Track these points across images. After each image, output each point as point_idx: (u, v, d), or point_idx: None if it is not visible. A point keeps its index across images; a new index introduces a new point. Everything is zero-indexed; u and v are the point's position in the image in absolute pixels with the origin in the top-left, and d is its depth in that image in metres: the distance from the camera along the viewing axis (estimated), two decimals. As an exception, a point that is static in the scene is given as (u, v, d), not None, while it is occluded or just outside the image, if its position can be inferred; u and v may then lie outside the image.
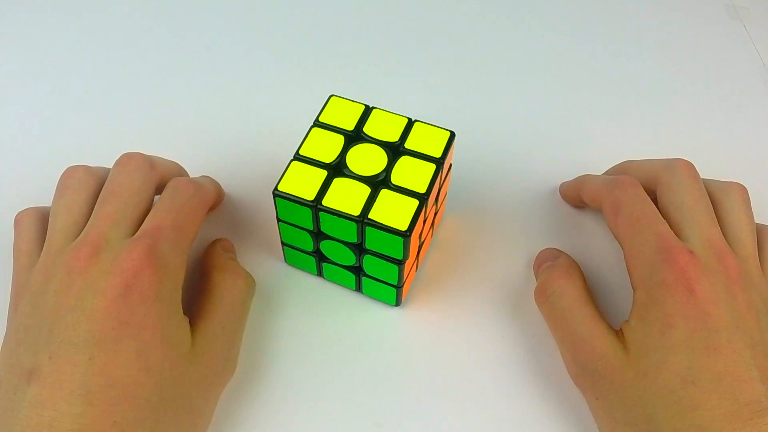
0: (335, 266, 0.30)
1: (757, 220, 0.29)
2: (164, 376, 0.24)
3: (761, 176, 0.36)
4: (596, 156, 0.35)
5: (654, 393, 0.24)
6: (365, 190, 0.26)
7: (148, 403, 0.23)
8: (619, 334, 0.27)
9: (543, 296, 0.29)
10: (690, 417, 0.23)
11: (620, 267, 0.32)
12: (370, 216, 0.26)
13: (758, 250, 0.28)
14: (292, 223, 0.28)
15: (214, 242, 0.32)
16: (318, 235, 0.28)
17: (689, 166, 0.29)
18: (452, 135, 0.28)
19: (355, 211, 0.26)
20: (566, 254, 0.32)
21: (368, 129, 0.28)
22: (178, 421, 0.24)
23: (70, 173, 0.29)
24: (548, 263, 0.31)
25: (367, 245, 0.27)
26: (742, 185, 0.29)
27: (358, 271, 0.30)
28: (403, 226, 0.26)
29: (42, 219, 0.29)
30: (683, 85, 0.41)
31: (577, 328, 0.27)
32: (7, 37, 0.42)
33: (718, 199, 0.28)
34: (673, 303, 0.25)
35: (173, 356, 0.24)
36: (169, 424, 0.24)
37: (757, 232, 0.28)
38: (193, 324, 0.26)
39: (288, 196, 0.27)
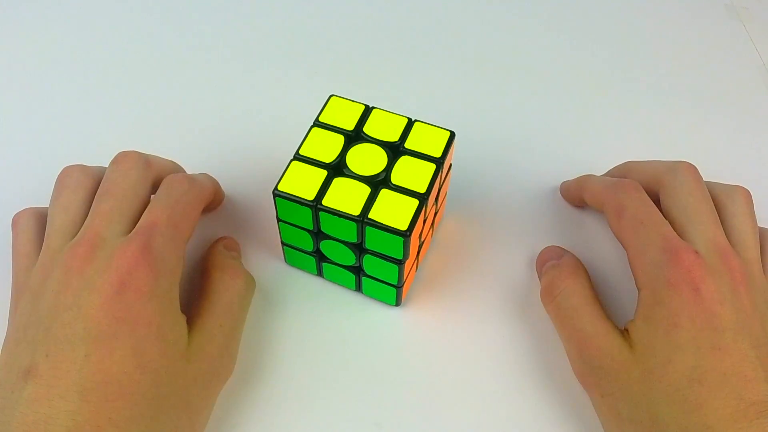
0: (335, 266, 0.30)
1: (757, 221, 0.29)
2: (160, 373, 0.24)
3: (761, 177, 0.35)
4: (596, 156, 0.35)
5: (660, 391, 0.24)
6: (365, 190, 0.26)
7: (144, 399, 0.23)
8: (624, 333, 0.27)
9: (550, 296, 0.29)
10: (696, 415, 0.23)
11: (621, 267, 0.32)
12: (370, 216, 0.26)
13: (761, 254, 0.28)
14: (292, 223, 0.28)
15: (216, 241, 0.32)
16: (318, 235, 0.28)
17: (693, 169, 0.29)
18: (452, 135, 0.28)
19: (355, 210, 0.26)
20: (571, 253, 0.32)
21: (368, 129, 0.28)
22: (174, 418, 0.24)
23: (67, 173, 0.29)
24: (552, 262, 0.31)
25: (367, 245, 0.27)
26: (745, 188, 0.29)
27: (358, 271, 0.30)
28: (403, 226, 0.25)
29: (39, 219, 0.29)
30: (683, 84, 0.41)
31: (584, 327, 0.27)
32: (4, 37, 0.42)
33: (722, 202, 0.28)
34: (678, 302, 0.25)
35: (169, 353, 0.24)
36: (165, 422, 0.24)
37: (759, 236, 0.28)
38: (191, 322, 0.26)
39: (288, 195, 0.26)
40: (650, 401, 0.24)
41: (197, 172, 0.33)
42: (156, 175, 0.29)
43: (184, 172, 0.32)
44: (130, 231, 0.26)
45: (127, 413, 0.23)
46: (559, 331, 0.29)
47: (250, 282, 0.30)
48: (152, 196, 0.29)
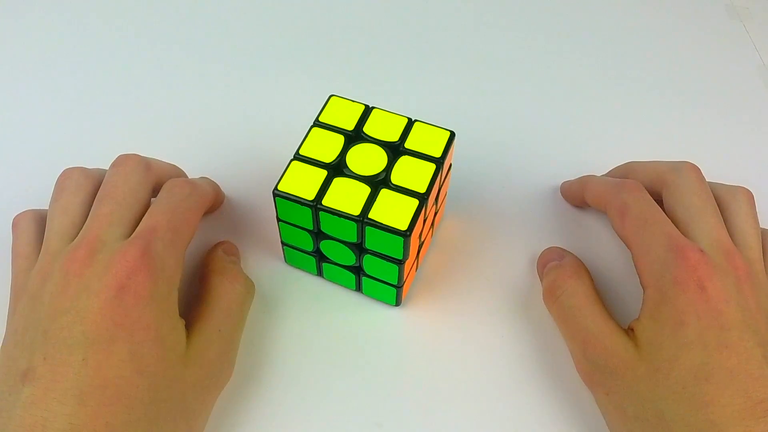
0: (335, 266, 0.30)
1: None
2: (158, 378, 0.24)
3: (760, 177, 0.35)
4: (596, 155, 0.35)
5: (666, 388, 0.24)
6: (365, 190, 0.26)
7: (142, 404, 0.23)
8: (628, 332, 0.27)
9: (552, 296, 0.29)
10: (703, 413, 0.23)
11: (622, 266, 0.32)
12: (370, 216, 0.26)
13: (763, 254, 0.28)
14: (292, 223, 0.28)
15: (216, 245, 0.31)
16: (318, 234, 0.28)
17: (695, 169, 0.29)
18: (452, 135, 0.28)
19: (355, 210, 0.26)
20: (572, 253, 0.32)
21: (368, 129, 0.28)
22: (172, 423, 0.24)
23: (67, 175, 0.29)
24: (554, 262, 0.31)
25: (367, 245, 0.27)
26: (747, 189, 0.29)
27: (358, 271, 0.30)
28: (403, 226, 0.25)
29: (39, 221, 0.29)
30: (683, 85, 0.41)
31: (588, 326, 0.27)
32: (4, 38, 0.42)
33: (725, 202, 0.29)
34: (685, 300, 0.25)
35: (167, 358, 0.24)
36: (163, 426, 0.24)
37: (761, 236, 0.28)
38: (189, 327, 0.26)
39: (288, 195, 0.26)
40: (656, 399, 0.24)
41: (198, 176, 0.33)
42: (156, 179, 0.29)
43: (185, 176, 0.32)
44: (130, 234, 0.26)
45: (125, 417, 0.23)
46: (563, 330, 0.29)
47: (249, 287, 0.30)
48: (152, 200, 0.29)
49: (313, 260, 0.30)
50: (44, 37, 0.42)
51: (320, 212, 0.26)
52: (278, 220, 0.29)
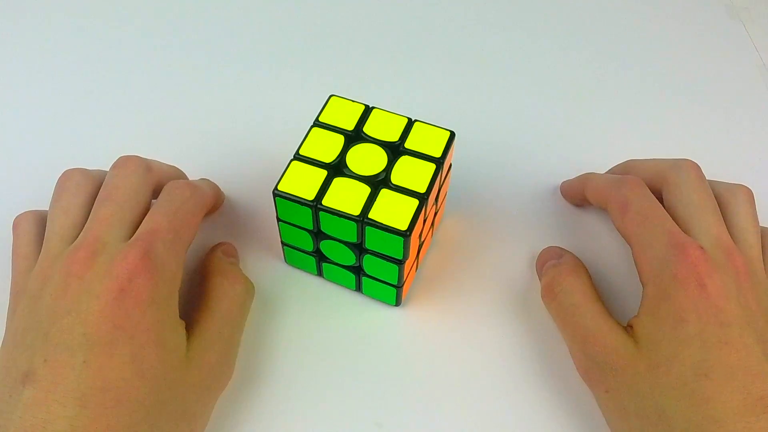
0: (335, 266, 0.30)
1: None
2: (159, 380, 0.24)
3: (760, 176, 0.35)
4: (596, 155, 0.35)
5: (666, 385, 0.24)
6: (365, 190, 0.26)
7: (143, 406, 0.23)
8: (628, 329, 0.27)
9: (551, 294, 0.29)
10: (703, 409, 0.23)
11: (622, 265, 0.32)
12: (370, 216, 0.26)
13: (762, 252, 0.28)
14: (292, 223, 0.28)
15: (215, 246, 0.31)
16: (318, 234, 0.28)
17: (696, 167, 0.29)
18: (452, 135, 0.28)
19: (355, 210, 0.26)
20: (571, 252, 0.32)
21: (368, 129, 0.28)
22: (173, 424, 0.24)
23: (68, 176, 0.29)
24: (553, 261, 0.31)
25: (367, 245, 0.27)
26: (747, 188, 0.29)
27: (358, 271, 0.30)
28: (403, 226, 0.25)
29: (40, 222, 0.28)
30: (683, 84, 0.41)
31: (587, 324, 0.27)
32: (5, 39, 0.42)
33: (725, 200, 0.29)
34: (685, 297, 0.25)
35: (168, 360, 0.24)
36: (163, 428, 0.24)
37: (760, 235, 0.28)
38: (190, 329, 0.26)
39: (288, 195, 0.26)
40: (657, 395, 0.24)
41: (198, 176, 0.33)
42: (157, 181, 0.29)
43: (186, 177, 0.32)
44: (131, 236, 0.26)
45: (126, 420, 0.23)
46: (561, 328, 0.29)
47: (249, 288, 0.30)
48: (153, 201, 0.29)
49: (313, 260, 0.30)
50: (44, 37, 0.42)
51: (320, 212, 0.26)
52: (278, 220, 0.29)
